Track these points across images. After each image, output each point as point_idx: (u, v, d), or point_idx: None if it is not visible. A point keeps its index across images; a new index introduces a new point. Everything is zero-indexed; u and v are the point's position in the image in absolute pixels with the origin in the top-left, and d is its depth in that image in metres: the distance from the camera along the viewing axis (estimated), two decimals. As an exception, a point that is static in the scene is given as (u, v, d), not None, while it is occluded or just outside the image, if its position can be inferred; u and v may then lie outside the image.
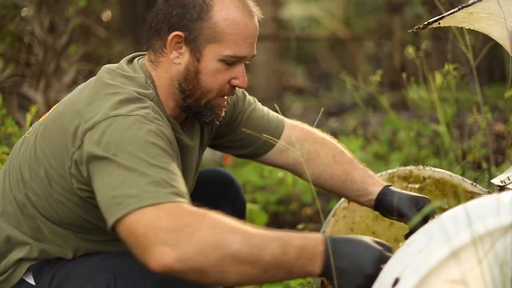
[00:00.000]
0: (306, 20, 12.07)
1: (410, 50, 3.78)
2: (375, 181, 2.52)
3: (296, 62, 11.57)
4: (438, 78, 3.92)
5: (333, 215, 2.74)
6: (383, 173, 2.77)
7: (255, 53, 2.29)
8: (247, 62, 2.31)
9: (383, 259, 1.87)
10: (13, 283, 2.26)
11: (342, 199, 2.77)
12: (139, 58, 2.32)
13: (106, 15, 6.95)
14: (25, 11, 5.82)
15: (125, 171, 1.91)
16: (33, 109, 4.23)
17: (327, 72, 10.89)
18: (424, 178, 2.74)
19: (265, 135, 2.55)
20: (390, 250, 1.93)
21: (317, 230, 3.96)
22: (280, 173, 4.61)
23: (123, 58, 2.36)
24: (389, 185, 2.49)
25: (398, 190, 2.46)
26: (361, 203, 2.55)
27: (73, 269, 2.21)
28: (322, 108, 2.86)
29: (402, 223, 2.79)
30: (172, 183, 1.90)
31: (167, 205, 1.84)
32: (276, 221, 4.55)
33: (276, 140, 2.59)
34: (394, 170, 2.77)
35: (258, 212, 4.14)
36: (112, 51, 6.99)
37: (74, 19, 5.84)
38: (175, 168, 1.98)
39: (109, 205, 1.89)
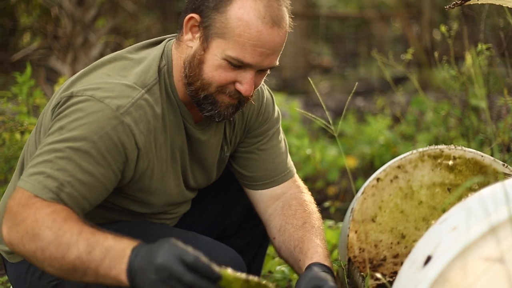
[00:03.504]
0: (334, -1, 12.01)
1: (443, 29, 3.73)
2: (312, 257, 2.27)
3: (323, 41, 11.51)
4: (469, 58, 3.86)
5: (362, 193, 2.72)
6: (414, 151, 2.74)
7: (273, 64, 2.17)
8: (268, 72, 2.22)
9: (174, 248, 1.80)
10: None
11: (372, 177, 2.74)
12: (171, 39, 2.30)
13: (135, -11, 6.94)
14: (54, -16, 5.82)
15: (47, 148, 2.02)
16: (61, 81, 4.23)
17: (354, 52, 10.82)
18: (455, 158, 2.71)
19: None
20: (197, 258, 1.80)
21: (344, 208, 3.95)
22: (308, 150, 4.59)
23: (149, 32, 2.36)
24: (318, 264, 2.23)
25: (315, 271, 2.18)
26: None
27: None
28: (354, 87, 2.83)
29: (432, 203, 2.77)
30: (62, 180, 1.98)
31: (27, 194, 1.97)
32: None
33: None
34: (424, 148, 2.74)
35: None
36: (140, 25, 6.99)
37: (103, -8, 5.84)
38: (92, 173, 2.02)
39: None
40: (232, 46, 2.08)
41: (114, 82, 2.11)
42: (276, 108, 2.51)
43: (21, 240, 1.93)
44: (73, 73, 5.63)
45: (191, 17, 2.13)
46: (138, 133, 2.09)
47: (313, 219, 2.42)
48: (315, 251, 2.29)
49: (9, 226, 1.96)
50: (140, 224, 2.32)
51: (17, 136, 3.86)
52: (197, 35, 2.14)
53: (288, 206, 2.46)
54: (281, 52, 2.18)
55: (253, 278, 1.88)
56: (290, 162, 2.54)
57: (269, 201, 2.50)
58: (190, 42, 2.15)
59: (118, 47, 5.67)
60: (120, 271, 1.85)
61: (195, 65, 2.14)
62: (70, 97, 2.10)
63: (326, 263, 2.25)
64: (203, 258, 1.81)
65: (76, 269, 1.91)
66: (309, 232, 2.37)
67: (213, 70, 2.12)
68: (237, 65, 2.10)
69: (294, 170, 2.55)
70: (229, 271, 1.84)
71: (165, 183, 2.26)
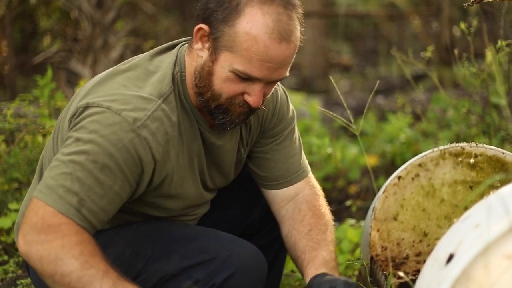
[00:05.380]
0: (353, -3, 11.98)
1: (462, 26, 3.71)
2: (313, 271, 2.27)
3: (342, 39, 11.49)
4: (489, 55, 3.85)
5: (383, 191, 2.72)
6: (435, 149, 2.73)
7: (282, 77, 2.16)
8: (278, 83, 2.23)
9: None
10: None
11: (393, 175, 2.74)
12: (184, 44, 2.29)
13: (154, -9, 6.97)
14: (73, -13, 5.85)
15: (64, 159, 2.04)
16: (82, 83, 4.26)
17: (374, 50, 10.79)
18: (476, 155, 2.70)
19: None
20: None
21: (365, 207, 3.95)
22: (329, 149, 4.59)
23: (169, 33, 2.37)
24: (320, 274, 2.24)
25: (318, 280, 2.21)
26: None
27: (112, 237, 2.27)
28: (376, 86, 2.82)
29: (454, 200, 2.76)
30: (84, 197, 2.01)
31: (51, 210, 2.00)
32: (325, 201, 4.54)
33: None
34: (445, 146, 2.73)
35: (306, 188, 4.12)
36: (159, 27, 7.01)
37: (122, -5, 5.87)
38: (110, 186, 2.04)
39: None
40: (239, 60, 2.07)
41: (131, 94, 2.11)
42: (291, 107, 2.51)
43: (41, 259, 1.98)
44: (94, 75, 5.67)
45: (200, 28, 2.12)
46: (155, 145, 2.09)
47: (319, 225, 2.41)
48: (313, 264, 2.29)
49: (29, 240, 2.00)
50: (160, 223, 2.33)
51: (39, 138, 3.89)
52: (207, 45, 2.13)
53: (298, 210, 2.45)
54: (291, 64, 2.17)
55: None
56: (304, 162, 2.53)
57: (282, 202, 2.50)
58: (200, 51, 2.15)
59: (138, 48, 5.70)
60: None
61: (204, 76, 2.13)
62: (86, 107, 2.11)
63: (322, 271, 2.25)
64: None
65: None
66: (312, 242, 2.36)
67: (222, 82, 2.12)
68: (245, 78, 2.10)
69: (309, 169, 2.54)
70: None
71: (184, 188, 2.27)
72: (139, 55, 2.30)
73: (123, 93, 2.11)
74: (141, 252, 2.24)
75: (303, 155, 2.54)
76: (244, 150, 2.44)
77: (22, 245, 2.01)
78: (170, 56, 2.24)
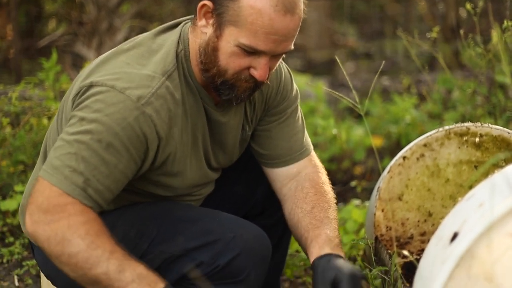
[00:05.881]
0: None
1: (468, 7, 3.70)
2: (318, 250, 2.26)
3: (348, 21, 11.45)
4: (495, 35, 3.83)
5: (388, 172, 2.72)
6: (440, 129, 2.73)
7: (287, 50, 2.16)
8: (283, 56, 2.22)
9: None
10: None
11: (398, 155, 2.74)
12: (187, 22, 2.30)
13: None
14: (78, -31, 5.85)
15: (69, 139, 2.05)
16: (86, 66, 4.26)
17: (380, 31, 10.75)
18: (481, 135, 2.70)
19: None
20: None
21: (370, 188, 3.95)
22: (334, 130, 4.58)
23: (174, 16, 2.37)
24: (326, 255, 2.24)
25: (323, 263, 2.22)
26: None
27: (117, 218, 2.28)
28: (381, 67, 2.82)
29: (459, 180, 2.76)
30: (89, 177, 2.02)
31: (57, 191, 2.01)
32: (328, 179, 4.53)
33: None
34: (451, 126, 2.73)
35: (311, 170, 4.12)
36: (164, 9, 7.00)
37: (127, -23, 5.85)
38: (115, 165, 2.05)
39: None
40: (245, 34, 2.07)
41: (134, 71, 2.12)
42: (295, 85, 2.51)
43: (48, 239, 1.99)
44: (99, 58, 5.67)
45: (204, 4, 2.12)
46: (159, 123, 2.10)
47: (322, 202, 2.41)
48: (316, 243, 2.28)
49: (35, 220, 2.01)
50: (165, 204, 2.33)
51: (45, 121, 3.90)
52: (211, 21, 2.13)
53: (300, 188, 2.46)
54: (295, 37, 2.17)
55: None
56: (307, 140, 2.54)
57: (284, 180, 2.50)
58: (204, 28, 2.15)
59: (143, 31, 5.67)
60: None
61: (209, 52, 2.14)
62: (90, 86, 2.11)
63: (326, 250, 2.25)
64: None
65: (98, 283, 2.01)
66: (316, 219, 2.36)
67: (227, 57, 2.12)
68: (251, 51, 2.10)
69: (311, 148, 2.55)
70: None
71: (187, 166, 2.28)
72: (141, 34, 2.30)
73: (126, 72, 2.11)
74: (146, 233, 2.24)
75: (306, 134, 2.54)
76: (249, 127, 2.45)
77: (29, 225, 2.02)
78: (173, 34, 2.24)
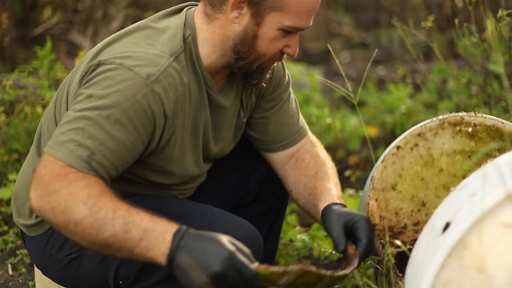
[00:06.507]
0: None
1: (463, -5, 3.69)
2: (327, 199, 2.39)
3: (343, 10, 11.42)
4: (490, 25, 3.82)
5: (382, 161, 2.71)
6: (434, 119, 2.73)
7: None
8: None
9: (234, 260, 1.89)
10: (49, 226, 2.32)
11: (392, 145, 2.74)
12: (190, 8, 2.31)
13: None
14: (73, -43, 5.82)
15: (76, 115, 2.03)
16: (81, 54, 4.25)
17: (376, 20, 10.73)
18: (475, 125, 2.70)
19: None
20: (247, 255, 1.94)
21: (365, 177, 3.95)
22: (328, 119, 4.58)
23: (169, 4, 2.37)
24: (336, 203, 2.36)
25: (337, 208, 2.33)
26: (319, 222, 2.45)
27: None
28: (374, 55, 2.82)
29: (452, 170, 2.76)
30: (95, 151, 2.00)
31: (60, 164, 1.99)
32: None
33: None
34: (444, 116, 2.73)
35: (305, 159, 4.12)
36: (159, -2, 6.98)
37: (122, -36, 5.83)
38: (123, 141, 2.04)
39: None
40: (289, 16, 2.16)
41: (142, 50, 2.13)
42: (287, 72, 2.57)
43: (52, 211, 1.95)
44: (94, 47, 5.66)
45: None
46: (167, 101, 2.11)
47: (325, 168, 2.53)
48: (328, 194, 2.40)
49: (39, 194, 1.97)
50: (157, 198, 2.32)
51: (39, 109, 3.89)
52: (243, 11, 2.17)
53: (301, 160, 2.56)
54: None
55: (292, 269, 1.92)
56: (302, 120, 2.63)
57: (285, 159, 2.60)
58: (236, 19, 2.19)
59: (138, 20, 5.66)
60: (158, 254, 1.92)
61: (249, 40, 2.20)
62: (98, 65, 2.11)
63: (341, 202, 2.37)
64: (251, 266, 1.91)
65: (110, 246, 1.95)
66: (322, 179, 2.47)
67: (268, 42, 2.21)
68: (289, 31, 2.20)
69: (307, 127, 2.64)
70: (262, 267, 1.92)
71: (185, 152, 2.28)
72: (143, 20, 2.31)
73: (134, 51, 2.12)
74: None
75: (300, 115, 2.63)
76: (244, 114, 2.47)
77: (34, 200, 1.99)
78: (178, 19, 2.26)
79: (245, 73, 2.28)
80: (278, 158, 2.61)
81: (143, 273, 2.20)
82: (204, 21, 2.24)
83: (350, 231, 2.27)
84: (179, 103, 2.17)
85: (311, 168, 2.52)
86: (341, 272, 2.07)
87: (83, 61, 2.23)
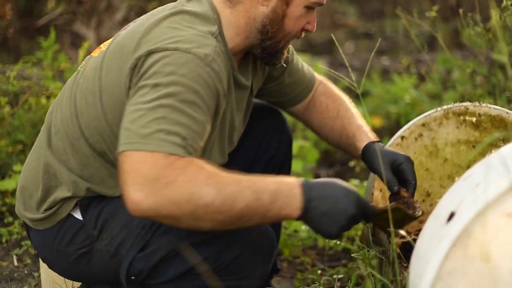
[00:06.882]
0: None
1: (467, -15, 3.68)
2: (364, 138, 2.54)
3: (348, 0, 11.42)
4: (495, 15, 3.81)
5: (386, 151, 2.71)
6: (438, 109, 2.72)
7: None
8: None
9: (361, 200, 2.03)
10: (60, 218, 2.27)
11: (396, 135, 2.73)
12: None
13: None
14: None
15: (149, 106, 1.97)
16: (85, 45, 4.25)
17: (380, 11, 10.71)
18: (480, 115, 2.69)
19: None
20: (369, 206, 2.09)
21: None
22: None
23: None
24: (375, 141, 2.52)
25: (381, 146, 2.48)
26: (357, 159, 2.62)
27: (120, 205, 2.17)
28: (377, 44, 2.82)
29: (457, 160, 2.76)
30: (184, 135, 1.95)
31: (160, 155, 1.90)
32: (327, 158, 4.54)
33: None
34: (449, 106, 2.72)
35: (310, 149, 4.13)
36: (163, -12, 6.96)
37: (126, -45, 5.82)
38: (202, 122, 2.01)
39: (121, 134, 1.97)
40: None
41: (187, 33, 2.11)
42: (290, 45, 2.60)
43: (173, 202, 1.88)
44: (98, 38, 5.65)
45: None
46: (224, 79, 2.13)
47: (344, 105, 2.69)
48: (362, 132, 2.57)
49: (149, 192, 1.87)
50: None
51: (43, 100, 3.89)
52: None
53: (319, 103, 2.72)
54: None
55: (390, 206, 2.15)
56: (308, 68, 2.76)
57: (304, 107, 2.75)
58: (265, 1, 2.24)
59: (142, 10, 5.66)
60: (293, 210, 1.97)
61: (278, 20, 2.26)
62: (149, 55, 2.07)
63: (376, 138, 2.54)
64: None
65: (242, 217, 1.94)
66: (347, 118, 2.63)
67: (295, 20, 2.28)
68: (312, 8, 2.29)
69: (311, 70, 2.77)
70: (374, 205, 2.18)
71: (214, 139, 2.28)
72: (167, 6, 2.29)
73: (180, 34, 2.10)
74: (147, 223, 2.18)
75: (305, 64, 2.75)
76: (251, 93, 2.49)
77: (142, 200, 1.87)
78: (201, 3, 2.26)
79: (270, 52, 2.33)
80: (297, 109, 2.75)
81: (157, 269, 2.18)
82: (225, 5, 2.25)
83: (396, 172, 2.40)
84: (225, 81, 2.17)
85: (331, 110, 2.68)
86: (419, 214, 2.30)
87: (125, 53, 2.15)
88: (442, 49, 4.64)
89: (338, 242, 3.12)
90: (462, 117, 2.72)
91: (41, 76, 4.12)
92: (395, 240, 2.60)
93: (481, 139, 2.71)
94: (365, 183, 3.68)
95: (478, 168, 1.71)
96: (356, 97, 5.49)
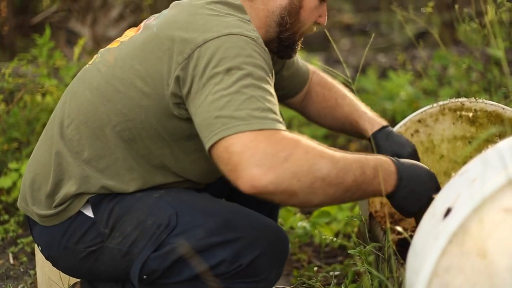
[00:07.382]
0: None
1: (463, -19, 3.67)
2: (370, 123, 2.64)
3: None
4: (490, 11, 3.81)
5: (382, 148, 2.70)
6: (434, 105, 2.72)
7: None
8: None
9: (439, 184, 2.11)
10: (71, 214, 2.24)
11: (392, 131, 2.73)
12: None
13: None
14: None
15: (232, 90, 1.96)
16: (81, 43, 4.24)
17: (376, 7, 10.71)
18: (476, 111, 2.69)
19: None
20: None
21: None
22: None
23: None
24: (382, 128, 2.61)
25: (389, 132, 2.59)
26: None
27: (133, 203, 2.20)
28: (371, 40, 2.83)
29: (453, 156, 2.76)
30: (274, 109, 1.97)
31: (268, 131, 1.90)
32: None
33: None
34: (445, 102, 2.72)
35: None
36: (159, -14, 6.95)
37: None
38: (274, 95, 2.05)
39: (211, 124, 1.93)
40: None
41: (231, 20, 2.13)
42: None
43: (294, 175, 1.86)
44: (93, 35, 5.64)
45: None
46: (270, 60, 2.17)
47: (339, 91, 2.76)
48: (367, 118, 2.66)
49: (270, 166, 1.84)
50: (183, 194, 2.26)
51: (38, 98, 3.89)
52: None
53: (315, 94, 2.79)
54: None
55: None
56: (301, 59, 2.79)
57: (301, 97, 2.81)
58: None
59: (137, 7, 5.65)
60: (388, 186, 2.03)
61: (295, 11, 2.30)
62: (204, 44, 2.05)
63: (384, 123, 2.63)
64: None
65: (349, 191, 1.95)
66: (347, 106, 2.71)
67: (310, 12, 2.32)
68: (325, 1, 2.34)
69: (303, 61, 2.82)
70: None
71: None
72: None
73: (226, 20, 2.13)
74: (163, 222, 2.16)
75: (299, 57, 2.77)
76: None
77: (264, 176, 1.84)
78: None
79: (287, 44, 2.37)
80: (294, 101, 2.81)
81: (172, 270, 2.16)
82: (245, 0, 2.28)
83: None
84: None
85: (328, 99, 2.75)
86: None
87: (171, 48, 2.11)
88: (437, 45, 4.63)
89: (335, 239, 3.12)
90: (458, 113, 2.72)
91: (36, 74, 4.11)
92: (392, 237, 2.60)
93: (477, 135, 2.71)
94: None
95: (474, 164, 1.71)
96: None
